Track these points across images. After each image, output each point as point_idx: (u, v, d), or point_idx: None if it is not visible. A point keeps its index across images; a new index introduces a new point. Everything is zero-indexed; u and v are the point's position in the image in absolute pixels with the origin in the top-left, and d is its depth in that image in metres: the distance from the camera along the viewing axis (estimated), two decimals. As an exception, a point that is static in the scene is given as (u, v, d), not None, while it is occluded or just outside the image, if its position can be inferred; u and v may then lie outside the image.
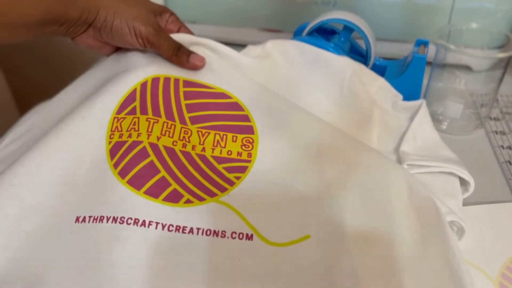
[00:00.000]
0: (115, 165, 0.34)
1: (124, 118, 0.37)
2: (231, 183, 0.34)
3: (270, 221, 0.32)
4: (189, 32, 0.46)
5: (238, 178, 0.35)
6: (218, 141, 0.36)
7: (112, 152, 0.35)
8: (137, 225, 0.31)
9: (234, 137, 0.37)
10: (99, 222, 0.31)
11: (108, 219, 0.31)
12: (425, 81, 0.49)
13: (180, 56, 0.41)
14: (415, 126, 0.42)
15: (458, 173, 0.38)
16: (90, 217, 0.32)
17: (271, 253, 0.31)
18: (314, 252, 0.31)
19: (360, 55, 0.53)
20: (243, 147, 0.36)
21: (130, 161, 0.34)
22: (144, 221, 0.31)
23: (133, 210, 0.32)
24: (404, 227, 0.32)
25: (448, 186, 0.38)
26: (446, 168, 0.38)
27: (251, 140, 0.37)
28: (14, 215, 0.32)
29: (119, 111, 0.37)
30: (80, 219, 0.32)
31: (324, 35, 0.52)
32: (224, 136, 0.37)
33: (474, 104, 0.50)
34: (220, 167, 0.35)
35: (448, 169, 0.38)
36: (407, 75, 0.47)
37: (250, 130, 0.37)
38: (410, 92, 0.48)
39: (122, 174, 0.33)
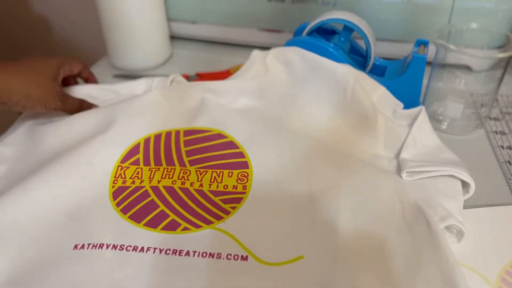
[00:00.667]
0: (118, 204, 0.37)
1: (128, 167, 0.40)
2: (227, 212, 0.36)
3: (264, 244, 0.34)
4: (81, 66, 0.52)
5: (233, 208, 0.37)
6: (215, 177, 0.39)
7: (115, 195, 0.38)
8: (136, 251, 0.33)
9: (230, 173, 0.40)
10: (98, 248, 0.33)
11: (108, 246, 0.33)
12: (425, 81, 0.49)
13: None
14: (414, 132, 0.42)
15: (458, 175, 0.38)
16: (89, 244, 0.34)
17: (266, 271, 0.32)
18: (308, 271, 0.32)
19: (360, 55, 0.53)
20: (239, 181, 0.39)
21: (132, 201, 0.37)
22: (142, 247, 0.33)
23: (132, 239, 0.34)
24: (396, 242, 0.33)
25: (449, 187, 0.38)
26: (445, 172, 0.38)
27: (246, 174, 0.39)
28: (17, 245, 0.34)
29: (123, 160, 0.41)
30: (79, 247, 0.34)
31: (324, 35, 0.52)
32: (221, 173, 0.40)
33: (474, 104, 0.50)
34: (216, 199, 0.37)
35: (448, 172, 0.38)
36: (407, 75, 0.47)
37: (245, 165, 0.40)
38: (410, 92, 0.48)
39: (124, 211, 0.37)
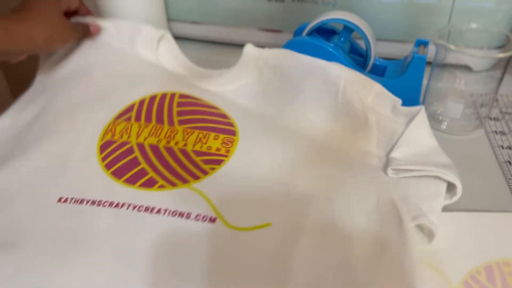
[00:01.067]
0: (103, 159, 0.39)
1: (119, 123, 0.42)
2: (205, 173, 0.37)
3: (235, 208, 0.35)
4: (84, 8, 0.53)
5: (212, 169, 0.38)
6: (200, 138, 0.40)
7: (102, 148, 0.40)
8: (111, 206, 0.35)
9: (216, 136, 0.41)
10: (79, 203, 0.36)
11: (88, 202, 0.36)
12: (425, 81, 0.49)
13: (87, 34, 0.51)
14: (409, 131, 0.41)
15: (444, 176, 0.38)
16: (72, 198, 0.36)
17: (230, 235, 0.33)
18: (273, 238, 0.33)
19: (360, 55, 0.53)
20: (223, 144, 0.40)
21: (117, 157, 0.39)
22: (118, 203, 0.35)
23: (109, 195, 0.36)
24: (364, 230, 0.34)
25: (432, 189, 0.38)
26: (431, 172, 0.38)
27: (231, 140, 0.40)
28: (4, 189, 0.37)
29: (117, 117, 0.43)
30: (63, 200, 0.36)
31: (324, 35, 0.52)
32: (207, 135, 0.41)
33: (474, 104, 0.50)
34: (198, 159, 0.39)
35: (433, 172, 0.38)
36: (407, 75, 0.47)
37: (232, 132, 0.41)
38: (410, 92, 0.48)
39: (108, 166, 0.39)
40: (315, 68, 0.45)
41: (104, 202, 0.35)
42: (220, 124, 0.42)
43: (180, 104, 0.44)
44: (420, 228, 0.36)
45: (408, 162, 0.39)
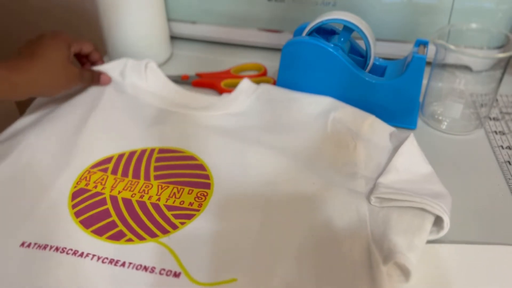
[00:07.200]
0: (74, 206, 0.39)
1: (95, 172, 0.43)
2: (175, 227, 0.37)
3: (201, 263, 0.34)
4: (92, 48, 0.55)
5: (182, 223, 0.38)
6: (174, 193, 0.41)
7: (74, 195, 0.40)
8: (74, 255, 0.35)
9: (190, 190, 0.41)
10: (42, 249, 0.35)
11: (51, 248, 0.35)
12: (425, 81, 0.49)
13: (96, 82, 0.53)
14: (398, 158, 0.41)
15: (430, 209, 0.36)
16: (35, 244, 0.36)
17: None
18: None
19: (360, 55, 0.53)
20: (196, 199, 0.40)
21: (88, 206, 0.39)
22: (82, 252, 0.35)
23: (75, 243, 0.36)
24: (336, 277, 0.33)
25: (415, 222, 0.36)
26: (415, 203, 0.36)
27: (205, 193, 0.40)
28: None
29: (93, 167, 0.43)
30: (26, 244, 0.36)
31: (324, 35, 0.52)
32: (181, 190, 0.41)
33: (474, 104, 0.50)
34: (169, 213, 0.39)
35: (418, 204, 0.36)
36: (407, 75, 0.47)
37: (207, 186, 0.41)
38: (410, 92, 0.48)
39: (77, 214, 0.38)
40: (305, 103, 0.49)
41: (68, 250, 0.35)
42: (195, 178, 0.42)
43: (158, 160, 0.44)
44: (398, 265, 0.33)
45: (394, 190, 0.37)
